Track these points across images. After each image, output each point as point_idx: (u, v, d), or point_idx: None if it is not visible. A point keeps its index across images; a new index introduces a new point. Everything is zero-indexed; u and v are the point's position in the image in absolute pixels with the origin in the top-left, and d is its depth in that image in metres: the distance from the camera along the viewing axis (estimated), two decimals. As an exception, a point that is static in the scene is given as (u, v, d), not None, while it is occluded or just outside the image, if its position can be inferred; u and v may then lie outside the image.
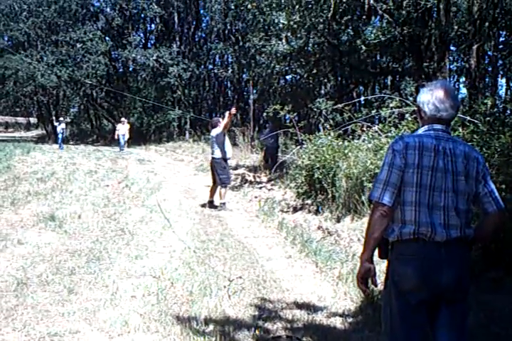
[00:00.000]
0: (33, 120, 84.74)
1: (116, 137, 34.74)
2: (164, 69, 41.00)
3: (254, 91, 35.01)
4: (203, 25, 48.80)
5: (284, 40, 19.79)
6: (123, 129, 34.12)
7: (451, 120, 3.87)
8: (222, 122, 14.00)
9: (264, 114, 21.76)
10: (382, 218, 3.69)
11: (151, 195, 15.51)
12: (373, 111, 13.48)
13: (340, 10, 18.95)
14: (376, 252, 3.83)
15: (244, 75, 40.09)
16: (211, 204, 14.04)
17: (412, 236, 3.64)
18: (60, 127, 36.78)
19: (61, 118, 38.15)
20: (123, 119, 35.29)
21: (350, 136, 13.41)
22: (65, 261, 8.41)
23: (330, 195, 11.85)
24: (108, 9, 48.99)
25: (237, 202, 15.28)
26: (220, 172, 13.81)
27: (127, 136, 34.46)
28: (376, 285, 3.90)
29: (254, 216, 13.11)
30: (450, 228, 3.63)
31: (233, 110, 13.69)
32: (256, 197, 15.27)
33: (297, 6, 18.42)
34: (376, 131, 12.37)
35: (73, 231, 10.52)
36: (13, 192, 14.79)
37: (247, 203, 15.01)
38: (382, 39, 19.95)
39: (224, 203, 13.81)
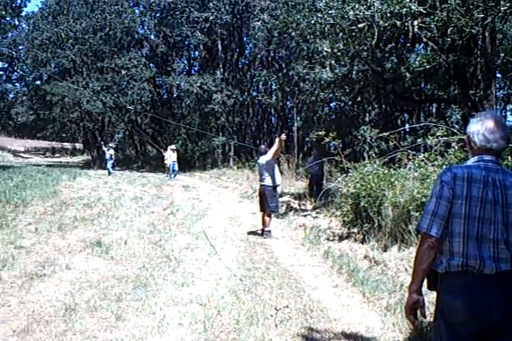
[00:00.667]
0: (78, 145, 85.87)
1: (166, 165, 34.60)
2: (208, 96, 41.29)
3: (298, 118, 35.06)
4: (247, 52, 49.14)
5: (327, 68, 19.84)
6: (173, 156, 34.07)
7: (501, 151, 3.85)
8: (272, 149, 13.95)
9: (307, 138, 21.74)
10: (430, 249, 3.68)
11: (196, 221, 15.56)
12: (419, 140, 13.42)
13: (384, 37, 18.99)
14: (425, 283, 3.82)
15: (288, 102, 40.21)
16: (265, 232, 13.94)
17: (461, 269, 3.63)
18: (109, 153, 37.03)
19: (110, 144, 38.48)
20: (173, 147, 35.27)
21: (396, 164, 13.33)
22: (112, 287, 8.48)
23: (376, 224, 11.77)
24: (152, 36, 49.75)
25: (283, 229, 15.23)
26: (269, 200, 13.69)
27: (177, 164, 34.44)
28: (425, 317, 3.89)
29: (300, 244, 13.04)
30: (500, 261, 3.60)
31: (283, 136, 13.64)
32: (301, 226, 15.21)
33: (341, 34, 18.46)
34: (422, 160, 12.30)
35: (120, 257, 10.61)
36: (60, 218, 14.99)
37: (293, 231, 14.95)
38: (427, 66, 19.89)
39: (269, 231, 13.76)
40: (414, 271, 3.80)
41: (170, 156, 34.18)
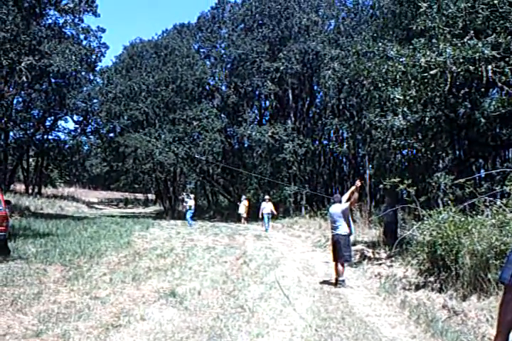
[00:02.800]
0: (151, 196, 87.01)
1: (260, 216, 33.81)
2: (279, 145, 41.43)
3: (370, 166, 34.82)
4: (317, 100, 49.30)
5: (400, 115, 19.69)
6: (268, 207, 33.44)
7: None
8: (345, 196, 13.81)
9: (380, 186, 21.46)
10: (515, 301, 3.50)
11: (269, 271, 15.47)
12: (497, 187, 13.11)
13: (457, 83, 18.78)
14: (511, 336, 3.63)
15: (359, 150, 40.03)
16: (339, 281, 13.69)
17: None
18: (189, 204, 37.18)
19: (191, 195, 38.71)
20: (267, 197, 34.83)
21: (473, 211, 13.02)
22: (187, 339, 8.43)
23: (454, 273, 11.47)
24: (223, 87, 50.48)
25: (357, 278, 15.00)
26: (343, 249, 13.53)
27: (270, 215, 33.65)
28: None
29: (375, 293, 12.80)
30: None
31: (358, 183, 13.53)
32: (376, 275, 14.93)
33: (413, 81, 18.37)
34: (500, 206, 11.99)
35: (194, 307, 10.55)
36: (134, 268, 15.10)
37: (367, 280, 14.72)
38: (503, 111, 19.56)
39: (343, 280, 13.55)
40: (498, 323, 3.61)
41: (264, 207, 33.53)
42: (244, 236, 27.05)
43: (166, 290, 12.06)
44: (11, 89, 46.40)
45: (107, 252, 18.40)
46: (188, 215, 36.47)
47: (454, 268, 11.48)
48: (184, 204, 38.89)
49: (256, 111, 52.60)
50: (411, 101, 18.61)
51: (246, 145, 50.15)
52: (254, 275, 14.82)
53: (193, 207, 37.29)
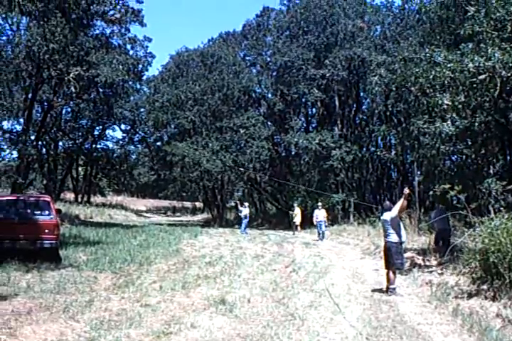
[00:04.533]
0: (198, 204, 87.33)
1: (314, 223, 32.68)
2: (327, 153, 41.25)
3: (419, 172, 34.47)
4: (364, 107, 49.05)
5: (448, 121, 19.47)
6: (321, 215, 32.03)
7: None
8: (397, 205, 13.70)
9: (431, 192, 21.21)
10: None
11: (318, 279, 15.41)
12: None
13: (508, 87, 18.54)
14: None
15: (408, 156, 39.67)
16: (389, 289, 13.54)
17: None
18: (243, 213, 37.14)
19: (245, 204, 38.63)
20: (319, 204, 33.51)
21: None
22: (238, 346, 8.45)
23: (507, 280, 11.29)
24: (269, 95, 50.54)
25: (407, 286, 14.83)
26: (395, 257, 13.40)
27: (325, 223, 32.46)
28: None
29: (427, 301, 12.63)
30: None
31: (406, 190, 13.41)
32: (427, 284, 14.73)
33: (461, 87, 18.20)
34: (555, 213, 11.78)
35: (243, 315, 10.56)
36: (184, 276, 15.21)
37: (418, 288, 14.52)
38: (554, 116, 19.29)
39: (394, 288, 13.41)
40: None
41: (318, 215, 32.23)
42: (292, 244, 26.97)
43: (215, 298, 12.08)
44: (59, 99, 47.07)
45: (156, 260, 18.53)
46: (244, 224, 36.59)
47: (508, 276, 11.31)
48: (239, 213, 38.89)
49: (303, 119, 52.55)
50: (460, 106, 18.47)
51: (293, 152, 50.03)
52: (303, 283, 14.78)
53: (247, 216, 37.30)
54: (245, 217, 36.92)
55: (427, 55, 19.04)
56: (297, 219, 36.56)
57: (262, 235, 33.26)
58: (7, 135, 45.31)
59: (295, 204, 38.12)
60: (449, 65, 17.57)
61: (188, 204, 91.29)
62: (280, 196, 52.02)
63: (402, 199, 13.46)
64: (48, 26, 27.04)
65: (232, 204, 65.12)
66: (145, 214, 74.92)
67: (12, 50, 34.69)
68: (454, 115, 19.42)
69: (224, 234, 33.55)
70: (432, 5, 22.68)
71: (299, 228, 36.60)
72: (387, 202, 14.71)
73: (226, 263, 18.54)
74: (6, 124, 49.41)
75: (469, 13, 18.31)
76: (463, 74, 17.34)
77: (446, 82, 18.21)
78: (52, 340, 8.54)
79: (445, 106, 18.67)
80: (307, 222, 37.94)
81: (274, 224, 46.62)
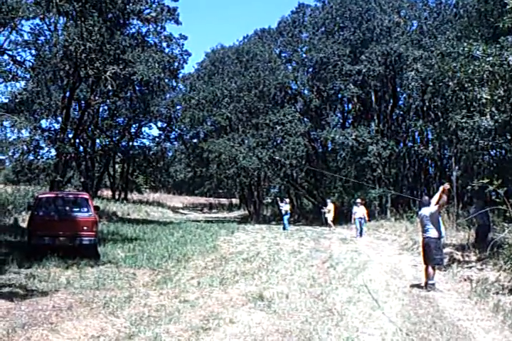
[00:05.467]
0: (235, 201, 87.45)
1: (353, 221, 31.80)
2: (363, 148, 41.04)
3: (457, 167, 34.19)
4: (401, 102, 48.72)
5: (487, 115, 19.24)
6: (360, 212, 30.92)
7: None
8: (433, 199, 13.59)
9: (469, 187, 21.02)
10: None
11: (356, 274, 15.36)
12: None
13: (548, 81, 18.29)
14: None
15: (445, 151, 39.36)
16: (428, 285, 13.43)
17: None
18: (284, 209, 37.14)
19: (286, 200, 38.60)
20: (358, 200, 32.38)
21: None
22: (277, 342, 8.43)
23: (550, 276, 11.14)
24: (306, 91, 50.35)
25: (447, 282, 14.70)
26: (434, 252, 13.29)
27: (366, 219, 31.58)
28: None
29: (466, 297, 12.52)
30: None
31: (446, 185, 13.31)
32: (466, 279, 14.59)
33: (501, 81, 17.98)
34: None
35: (282, 311, 10.55)
36: (221, 272, 15.26)
37: (457, 284, 14.39)
38: None
39: (433, 284, 13.30)
40: None
41: (356, 212, 31.00)
42: (329, 240, 26.90)
43: (253, 293, 12.08)
44: (97, 97, 47.37)
45: (193, 256, 18.61)
46: (285, 220, 36.58)
47: (549, 272, 11.16)
48: (280, 208, 38.91)
49: (339, 115, 52.41)
50: (499, 100, 18.23)
51: (329, 148, 49.84)
52: (341, 278, 14.71)
53: (288, 212, 37.33)
54: (286, 213, 36.92)
55: (465, 49, 18.85)
56: (330, 215, 36.39)
57: (299, 231, 33.23)
58: (46, 133, 45.82)
59: (328, 200, 37.94)
60: (487, 59, 17.40)
61: (224, 200, 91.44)
62: (317, 192, 51.86)
63: (439, 194, 13.36)
64: (85, 26, 27.19)
65: (269, 200, 65.09)
66: (181, 211, 75.23)
67: (50, 50, 35.02)
68: (493, 109, 19.20)
69: (261, 230, 33.58)
70: (470, -2, 22.50)
71: (331, 223, 36.44)
72: (426, 197, 14.58)
73: (263, 259, 18.56)
74: (44, 123, 49.79)
75: (508, 6, 18.08)
76: (502, 68, 17.15)
77: (485, 75, 18.02)
78: (93, 335, 8.61)
79: (484, 101, 18.47)
80: (344, 218, 37.85)
81: (311, 220, 46.49)
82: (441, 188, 13.56)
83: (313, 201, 53.74)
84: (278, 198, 42.54)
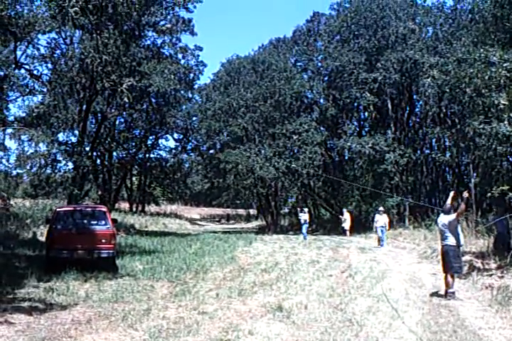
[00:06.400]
0: (252, 211, 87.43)
1: (374, 229, 31.34)
2: (380, 156, 40.92)
3: (475, 174, 34.00)
4: (417, 110, 48.57)
5: (506, 121, 19.11)
6: (382, 220, 30.30)
7: None
8: (447, 205, 13.55)
9: (488, 194, 20.90)
10: None
11: (375, 284, 15.28)
12: None
13: None
14: None
15: (463, 158, 39.17)
16: (448, 293, 13.30)
17: None
18: (303, 218, 37.09)
19: (305, 209, 38.52)
20: (381, 208, 32.12)
21: None
22: (296, 353, 8.40)
23: None
24: (321, 100, 50.32)
25: (467, 290, 14.59)
26: (453, 261, 13.22)
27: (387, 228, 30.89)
28: None
29: (487, 305, 12.41)
30: None
31: (466, 193, 13.24)
32: (487, 287, 14.44)
33: (518, 86, 17.87)
34: None
35: (301, 321, 10.51)
36: (240, 283, 15.22)
37: (478, 292, 14.28)
38: None
39: (453, 292, 13.20)
40: None
41: (377, 220, 30.37)
42: (348, 249, 26.80)
43: (272, 304, 12.04)
44: (113, 110, 47.59)
45: (211, 268, 18.58)
46: (304, 229, 36.65)
47: None
48: (299, 218, 38.86)
49: (355, 123, 52.28)
50: (517, 106, 18.08)
51: (346, 157, 49.85)
52: (360, 288, 14.66)
53: (307, 221, 37.28)
54: (305, 222, 36.95)
55: (482, 54, 18.76)
56: (346, 224, 36.37)
57: (317, 240, 33.12)
58: (63, 147, 45.98)
59: (344, 210, 38.08)
60: (504, 65, 17.31)
61: (241, 211, 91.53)
62: (334, 201, 51.74)
63: (450, 198, 13.36)
64: (101, 38, 27.29)
65: (286, 210, 65.01)
66: (199, 223, 75.38)
67: (66, 64, 35.28)
68: (511, 115, 19.05)
69: (279, 240, 33.52)
70: (486, 3, 22.40)
71: (348, 233, 36.37)
72: (448, 205, 14.43)
73: (282, 269, 18.50)
74: (61, 136, 50.01)
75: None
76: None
77: (502, 81, 17.92)
78: (112, 348, 8.60)
79: (501, 106, 18.35)
80: (362, 227, 37.74)
81: (329, 230, 46.40)
82: (451, 194, 13.57)
83: (330, 210, 53.61)
84: (298, 208, 42.46)
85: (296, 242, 31.93)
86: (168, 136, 66.66)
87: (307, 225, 37.13)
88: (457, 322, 10.73)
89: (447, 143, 41.52)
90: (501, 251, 17.97)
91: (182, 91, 52.90)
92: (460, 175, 42.62)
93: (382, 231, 30.11)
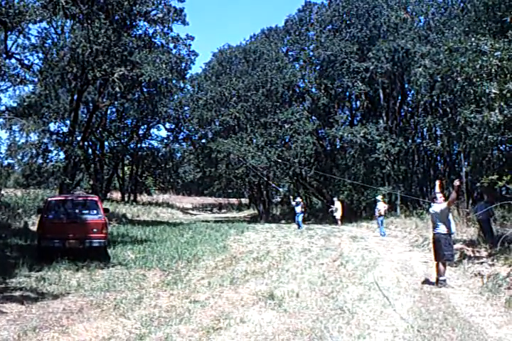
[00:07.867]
0: (244, 200, 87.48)
1: (376, 217, 30.96)
2: (372, 146, 40.97)
3: (466, 163, 34.06)
4: (409, 99, 48.51)
5: (496, 110, 19.13)
6: (382, 209, 30.06)
7: None
8: (438, 195, 13.59)
9: (478, 183, 20.99)
10: None
11: (367, 272, 15.34)
12: None
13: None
14: None
15: (454, 147, 39.21)
16: (439, 281, 13.38)
17: None
18: (298, 208, 37.11)
19: (298, 200, 38.52)
20: (379, 197, 31.68)
21: None
22: (288, 340, 8.47)
23: (560, 270, 11.08)
24: (313, 89, 50.31)
25: (458, 278, 14.66)
26: (444, 248, 13.28)
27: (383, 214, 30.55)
28: None
29: (478, 293, 12.49)
30: None
31: (457, 182, 13.29)
32: (477, 275, 14.51)
33: (509, 75, 17.88)
34: None
35: (292, 309, 10.57)
36: (232, 272, 15.26)
37: (469, 279, 14.35)
38: None
39: (444, 280, 13.27)
40: None
41: (378, 209, 30.16)
42: (339, 238, 26.83)
43: (264, 292, 12.10)
44: (104, 100, 47.44)
45: (203, 257, 18.60)
46: (300, 218, 36.58)
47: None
48: (292, 206, 38.89)
49: (347, 112, 52.25)
50: (508, 95, 18.09)
51: (338, 146, 49.84)
52: (351, 276, 14.71)
53: (302, 211, 37.42)
54: (301, 212, 36.95)
55: (473, 44, 18.75)
56: (338, 214, 36.50)
57: (309, 229, 33.13)
58: (54, 136, 45.93)
59: (335, 199, 38.19)
60: (496, 54, 17.32)
61: (233, 200, 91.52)
62: (326, 190, 51.81)
63: (438, 186, 13.41)
64: (92, 28, 27.20)
65: (278, 200, 65.07)
66: (191, 212, 75.43)
67: (57, 53, 35.12)
68: (502, 104, 19.07)
69: (270, 229, 33.50)
70: (477, -8, 22.38)
71: (339, 222, 36.48)
72: (437, 194, 14.44)
73: (273, 258, 18.54)
74: (53, 126, 49.99)
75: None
76: (511, 62, 17.06)
77: (493, 70, 17.93)
78: (104, 337, 8.65)
79: (493, 95, 18.36)
80: (353, 216, 37.83)
81: (320, 219, 46.47)
82: (437, 183, 13.71)
83: (322, 199, 53.68)
84: (291, 196, 42.44)
85: (288, 231, 31.96)
86: (159, 125, 66.52)
87: (302, 214, 37.06)
88: (448, 309, 10.80)
89: (439, 132, 41.55)
90: (489, 238, 18.08)
91: (174, 81, 52.60)
92: (451, 163, 42.68)
93: (381, 220, 30.05)
